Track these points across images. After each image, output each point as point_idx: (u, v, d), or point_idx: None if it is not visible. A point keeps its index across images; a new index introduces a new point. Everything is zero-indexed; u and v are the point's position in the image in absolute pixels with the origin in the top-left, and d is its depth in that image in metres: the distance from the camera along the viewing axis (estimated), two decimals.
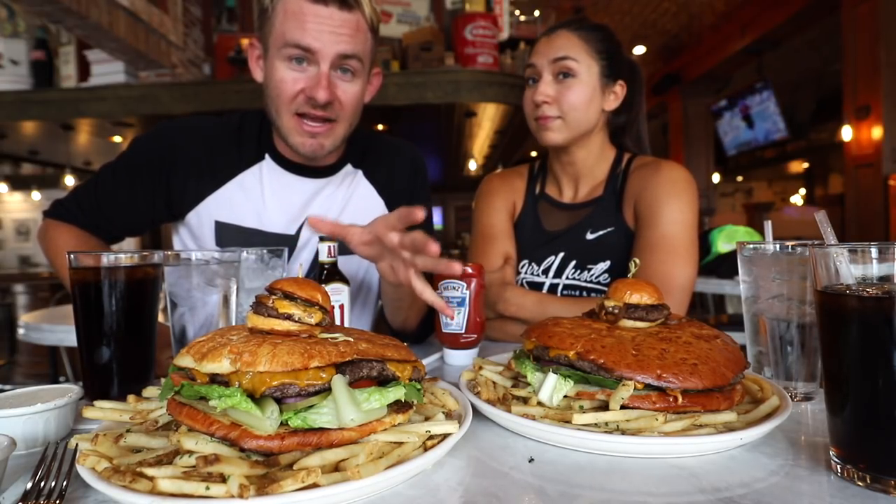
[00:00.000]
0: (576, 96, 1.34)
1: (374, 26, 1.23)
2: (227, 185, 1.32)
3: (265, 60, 1.23)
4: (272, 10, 1.17)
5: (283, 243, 1.33)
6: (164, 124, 1.37)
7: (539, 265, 1.46)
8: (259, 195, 1.33)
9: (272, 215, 1.33)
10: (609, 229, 1.40)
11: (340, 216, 1.39)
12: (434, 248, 0.87)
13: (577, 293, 1.40)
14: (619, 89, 1.42)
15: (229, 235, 1.32)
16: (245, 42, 4.18)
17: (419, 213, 0.86)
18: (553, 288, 1.43)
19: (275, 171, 1.34)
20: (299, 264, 0.83)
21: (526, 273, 1.47)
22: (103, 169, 1.36)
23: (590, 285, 1.39)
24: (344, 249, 1.31)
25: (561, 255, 1.43)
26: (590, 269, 1.39)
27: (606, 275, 1.37)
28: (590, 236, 1.41)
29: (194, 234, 1.37)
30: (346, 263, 1.42)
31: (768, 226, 0.93)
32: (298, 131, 1.21)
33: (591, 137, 1.43)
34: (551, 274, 1.43)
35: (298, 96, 1.17)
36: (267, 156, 1.35)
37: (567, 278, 1.41)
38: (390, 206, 1.46)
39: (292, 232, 1.35)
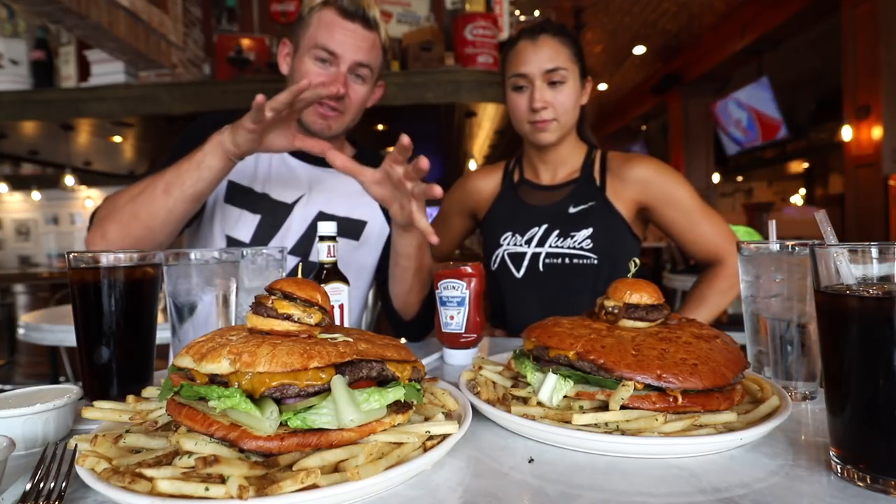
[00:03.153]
0: (568, 99, 1.50)
1: (385, 47, 1.50)
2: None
3: (293, 57, 1.45)
4: (309, 18, 1.40)
5: (279, 209, 1.49)
6: (202, 117, 1.53)
7: (522, 236, 1.57)
8: (267, 166, 1.51)
9: (274, 185, 1.50)
10: (591, 203, 1.54)
11: (334, 201, 1.53)
12: (424, 163, 1.03)
13: (560, 260, 1.51)
14: (588, 85, 1.59)
15: (234, 194, 1.47)
16: (246, 42, 4.19)
17: (406, 139, 1.04)
18: (535, 257, 1.54)
19: (283, 154, 1.53)
20: (298, 263, 0.84)
21: (508, 244, 1.59)
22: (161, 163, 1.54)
23: (572, 251, 1.51)
24: (344, 232, 1.50)
25: (545, 226, 1.55)
26: (573, 236, 1.51)
27: (589, 240, 1.50)
28: (572, 210, 1.55)
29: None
30: (348, 251, 1.51)
31: (772, 225, 0.93)
32: (313, 112, 1.42)
33: (570, 132, 1.59)
34: (534, 243, 1.55)
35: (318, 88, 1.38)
36: None
37: (550, 246, 1.53)
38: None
39: (289, 202, 1.50)
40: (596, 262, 1.48)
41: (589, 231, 1.50)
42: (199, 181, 1.16)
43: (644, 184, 1.51)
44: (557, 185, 1.61)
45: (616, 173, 1.55)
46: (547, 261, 1.52)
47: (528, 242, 1.55)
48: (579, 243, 1.49)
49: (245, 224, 1.46)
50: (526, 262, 1.54)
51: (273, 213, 1.48)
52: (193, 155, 1.17)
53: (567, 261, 1.50)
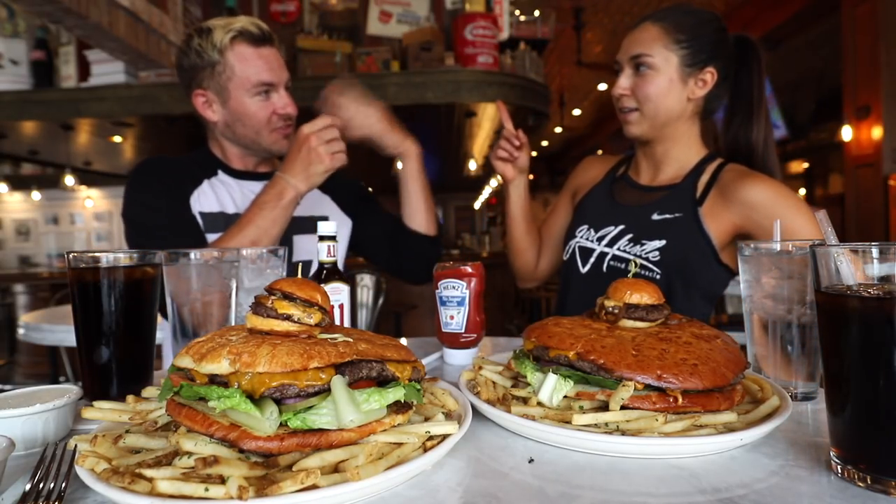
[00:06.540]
0: (651, 87, 1.37)
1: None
2: (199, 188, 1.52)
3: (221, 104, 1.49)
4: (224, 64, 1.44)
5: None
6: (142, 165, 1.55)
7: (597, 232, 1.50)
8: (227, 193, 1.55)
9: (240, 204, 1.53)
10: (677, 215, 1.39)
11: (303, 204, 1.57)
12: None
13: (624, 265, 1.42)
14: (709, 76, 1.38)
15: (212, 221, 1.49)
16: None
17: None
18: (602, 256, 1.46)
19: (228, 180, 1.57)
20: (299, 263, 0.83)
21: (581, 237, 1.53)
22: (130, 225, 1.46)
23: (638, 259, 1.41)
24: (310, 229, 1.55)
25: (621, 227, 1.46)
26: (643, 244, 1.40)
27: (657, 253, 1.37)
28: (655, 217, 1.42)
29: None
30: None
31: (777, 225, 0.93)
32: (278, 139, 1.52)
33: (675, 129, 1.43)
34: (604, 242, 1.47)
35: (272, 117, 1.49)
36: (219, 170, 1.57)
37: (618, 249, 1.44)
38: (338, 201, 1.72)
39: None
40: (658, 276, 1.36)
41: (661, 243, 1.37)
42: (284, 226, 1.35)
43: (751, 208, 1.30)
44: (654, 187, 1.49)
45: (722, 189, 1.36)
46: (612, 262, 1.43)
47: (600, 240, 1.48)
48: (647, 253, 1.38)
49: None
50: (592, 259, 1.48)
51: None
52: (270, 212, 1.31)
53: (630, 267, 1.38)
